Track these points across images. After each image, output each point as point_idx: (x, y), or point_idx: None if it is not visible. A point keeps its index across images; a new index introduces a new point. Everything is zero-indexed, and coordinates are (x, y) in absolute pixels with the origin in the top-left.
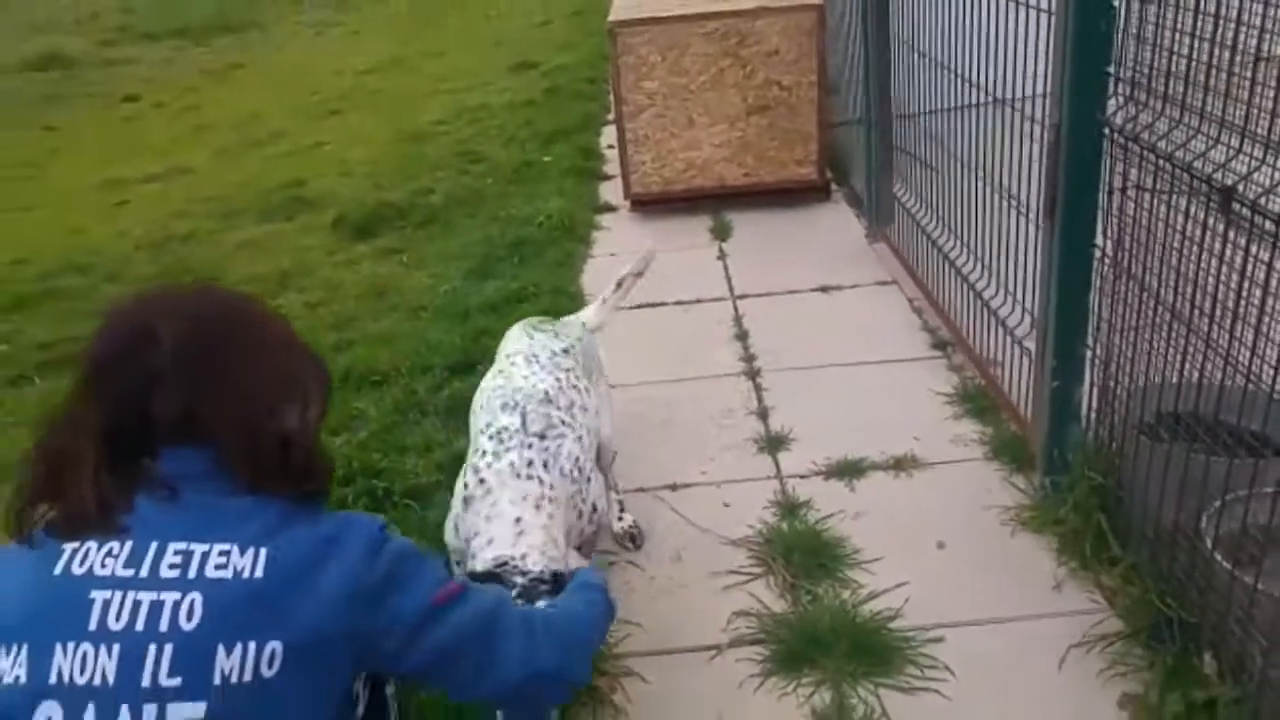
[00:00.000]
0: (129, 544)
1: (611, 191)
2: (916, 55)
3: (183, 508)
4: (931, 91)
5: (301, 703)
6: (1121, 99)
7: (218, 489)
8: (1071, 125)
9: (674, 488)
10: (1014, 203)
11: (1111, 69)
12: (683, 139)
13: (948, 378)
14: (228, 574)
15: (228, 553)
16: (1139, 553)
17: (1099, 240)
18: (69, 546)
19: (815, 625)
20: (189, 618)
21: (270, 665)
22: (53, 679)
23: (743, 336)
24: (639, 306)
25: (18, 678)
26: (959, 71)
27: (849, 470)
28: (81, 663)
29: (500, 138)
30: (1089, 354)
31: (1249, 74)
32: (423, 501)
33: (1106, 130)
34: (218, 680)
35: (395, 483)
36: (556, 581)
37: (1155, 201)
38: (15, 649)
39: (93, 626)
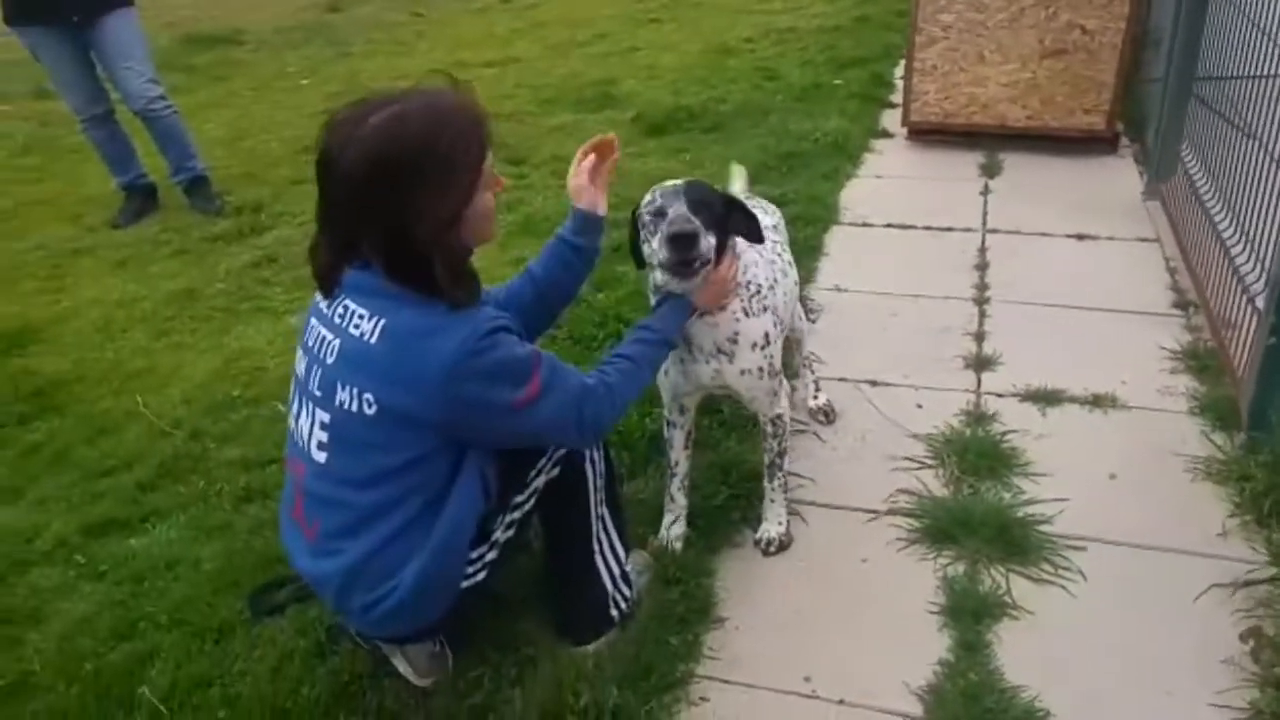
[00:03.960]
0: (337, 294)
1: (892, 119)
2: (1235, 13)
3: (363, 277)
4: (1240, 54)
5: (393, 444)
6: None
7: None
8: None
9: (874, 383)
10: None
11: None
12: (970, 74)
13: (1179, 336)
14: (357, 333)
15: (364, 317)
16: None
17: None
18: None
19: (968, 511)
20: (330, 355)
21: (369, 407)
22: (295, 361)
23: (982, 267)
24: (889, 226)
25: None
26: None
27: (1045, 397)
28: (300, 359)
29: (799, 59)
30: None
31: None
32: None
33: None
34: (337, 402)
35: None
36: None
37: None
38: None
39: (304, 340)
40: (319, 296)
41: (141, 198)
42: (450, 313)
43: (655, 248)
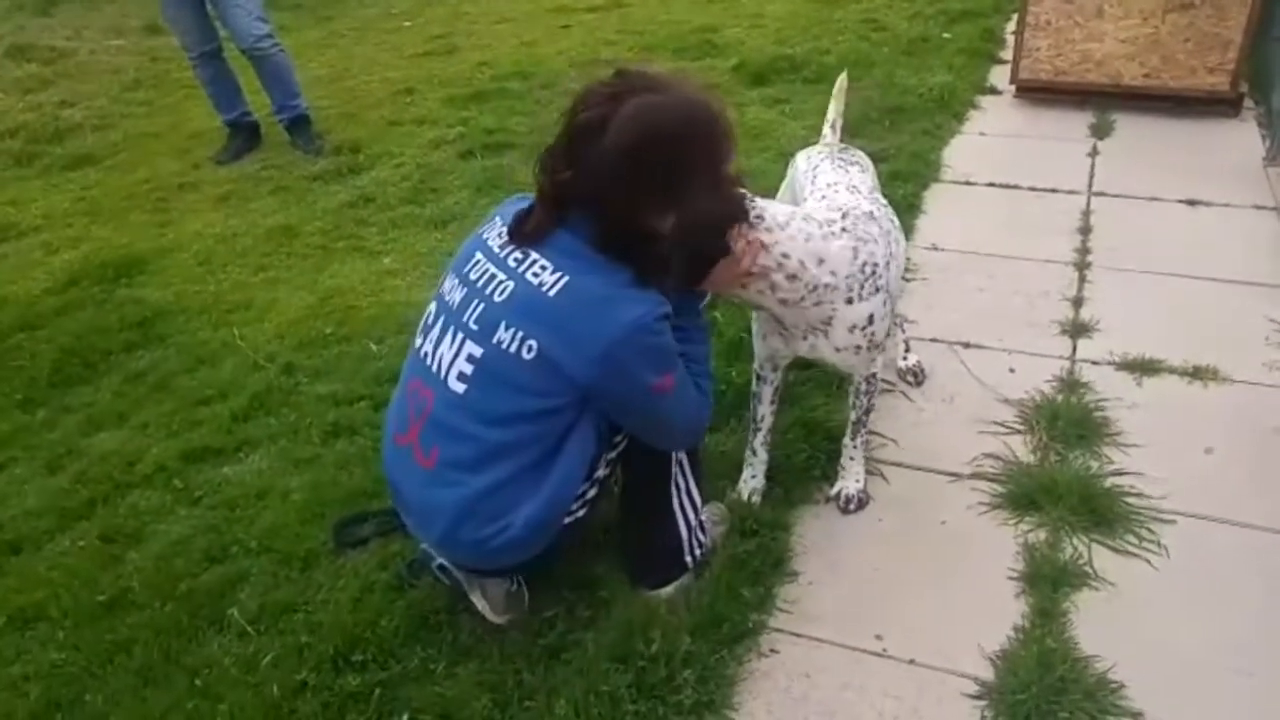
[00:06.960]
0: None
1: (1001, 76)
2: None
3: (561, 235)
4: None
5: (538, 390)
6: None
7: (588, 238)
8: None
9: (966, 345)
10: None
11: None
12: (1086, 29)
13: None
14: (535, 281)
15: (545, 267)
16: None
17: None
18: (497, 218)
19: (1053, 478)
20: (500, 294)
21: (528, 352)
22: (442, 289)
23: (1085, 230)
24: (991, 185)
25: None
26: None
27: (1142, 367)
28: (451, 288)
29: (908, 11)
30: None
31: None
32: None
33: None
34: (494, 340)
35: None
36: None
37: None
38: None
39: (464, 270)
40: (490, 232)
41: (245, 135)
42: (630, 286)
43: None
